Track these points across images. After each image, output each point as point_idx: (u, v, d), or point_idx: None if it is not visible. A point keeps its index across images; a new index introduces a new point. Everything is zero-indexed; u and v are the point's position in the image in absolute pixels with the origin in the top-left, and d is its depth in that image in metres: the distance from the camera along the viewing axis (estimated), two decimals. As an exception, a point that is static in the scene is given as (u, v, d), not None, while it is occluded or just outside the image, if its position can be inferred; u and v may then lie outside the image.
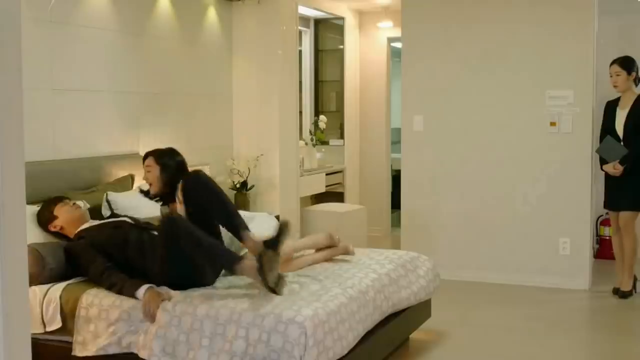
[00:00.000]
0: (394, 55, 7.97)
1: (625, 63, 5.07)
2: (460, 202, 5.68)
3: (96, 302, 3.37)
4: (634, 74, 5.09)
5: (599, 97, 5.56)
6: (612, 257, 6.38)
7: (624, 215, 5.10)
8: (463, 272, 5.66)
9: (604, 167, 5.12)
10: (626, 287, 5.14)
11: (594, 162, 5.41)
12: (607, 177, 5.16)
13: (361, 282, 3.51)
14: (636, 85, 5.16)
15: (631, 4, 6.40)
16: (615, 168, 5.02)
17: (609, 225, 6.40)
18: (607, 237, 6.43)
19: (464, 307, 4.99)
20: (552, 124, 5.42)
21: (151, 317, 3.19)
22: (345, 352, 3.10)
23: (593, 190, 5.53)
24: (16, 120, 1.65)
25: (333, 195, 7.44)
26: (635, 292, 5.18)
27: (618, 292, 5.16)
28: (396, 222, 7.23)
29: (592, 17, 5.37)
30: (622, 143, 5.04)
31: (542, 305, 5.04)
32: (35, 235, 3.70)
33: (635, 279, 5.20)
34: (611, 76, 5.11)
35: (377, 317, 3.48)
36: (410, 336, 4.18)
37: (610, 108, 5.18)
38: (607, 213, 6.33)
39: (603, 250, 6.43)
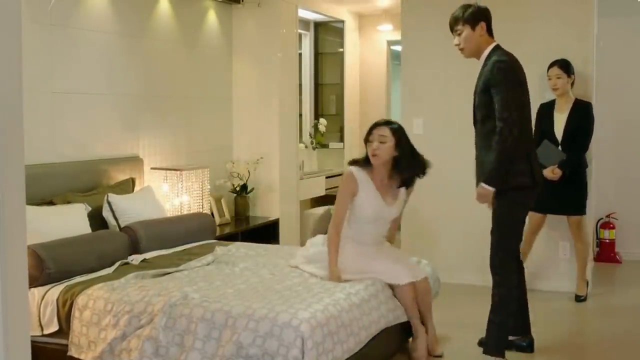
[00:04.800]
0: (394, 58, 7.97)
1: (565, 66, 5.04)
2: (461, 205, 5.66)
3: (90, 304, 3.37)
4: (572, 76, 5.06)
5: (598, 99, 5.55)
6: (612, 260, 6.41)
7: (574, 220, 5.09)
8: (463, 275, 5.65)
9: (542, 172, 5.07)
10: (582, 291, 5.15)
11: (594, 164, 5.39)
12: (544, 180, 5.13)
13: (367, 289, 3.51)
14: (571, 88, 5.12)
15: (631, 6, 6.41)
16: (554, 172, 4.95)
17: (609, 228, 6.41)
18: (607, 240, 6.43)
19: (464, 311, 4.98)
20: (552, 126, 5.41)
21: None
22: (347, 356, 3.10)
23: (593, 193, 5.52)
24: (16, 122, 1.65)
25: (333, 198, 7.40)
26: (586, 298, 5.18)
27: (575, 297, 5.15)
28: (396, 226, 7.22)
29: (592, 19, 5.37)
30: (560, 147, 4.99)
31: (542, 309, 5.02)
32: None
33: (587, 283, 5.22)
34: (550, 79, 5.06)
35: (382, 325, 3.49)
36: (410, 339, 4.17)
37: (546, 111, 5.12)
38: (607, 215, 6.37)
39: (603, 253, 6.42)
